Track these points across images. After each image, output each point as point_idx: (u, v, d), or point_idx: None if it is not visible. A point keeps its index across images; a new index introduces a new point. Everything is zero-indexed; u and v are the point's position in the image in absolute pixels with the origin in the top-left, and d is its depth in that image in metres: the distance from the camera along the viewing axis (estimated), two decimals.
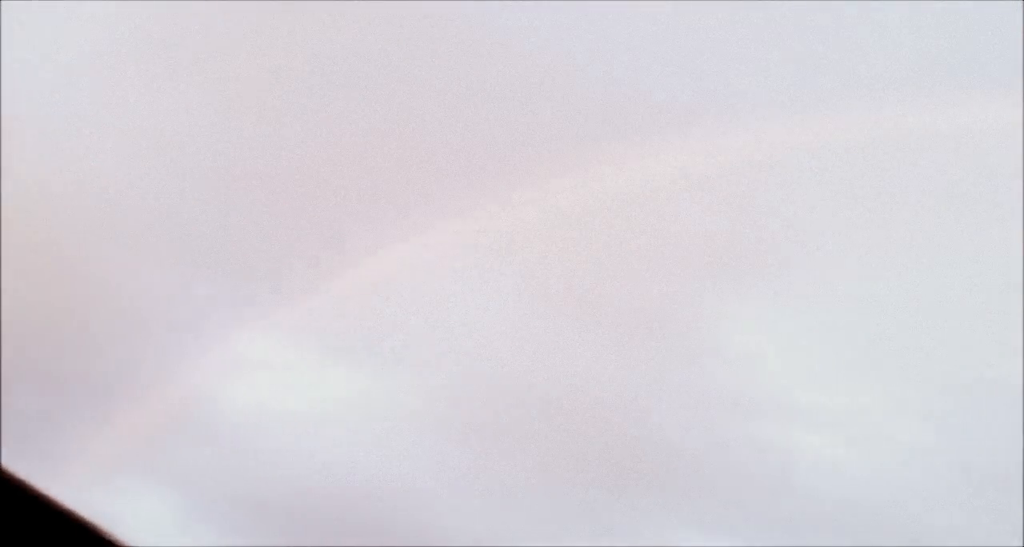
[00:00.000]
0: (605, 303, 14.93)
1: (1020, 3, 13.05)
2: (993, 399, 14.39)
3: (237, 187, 15.10)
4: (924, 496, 14.84)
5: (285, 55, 14.22)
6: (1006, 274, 14.07)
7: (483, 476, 16.83)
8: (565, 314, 15.29)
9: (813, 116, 14.12)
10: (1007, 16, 13.37)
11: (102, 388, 17.24)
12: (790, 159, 14.43)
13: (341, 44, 13.99)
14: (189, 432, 17.88)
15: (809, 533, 15.56)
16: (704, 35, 13.66)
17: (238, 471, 17.90)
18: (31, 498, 8.28)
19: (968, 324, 14.45)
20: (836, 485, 15.27)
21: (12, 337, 16.94)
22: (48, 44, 14.28)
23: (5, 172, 14.19)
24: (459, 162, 14.41)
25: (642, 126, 14.38)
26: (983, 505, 14.62)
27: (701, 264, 14.57)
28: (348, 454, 17.85)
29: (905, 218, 14.19)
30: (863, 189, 14.22)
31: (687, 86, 13.85)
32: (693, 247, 14.48)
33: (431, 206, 14.87)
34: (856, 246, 14.26)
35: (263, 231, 15.92)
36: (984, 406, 14.47)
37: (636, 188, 14.34)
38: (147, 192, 15.53)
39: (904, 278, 14.43)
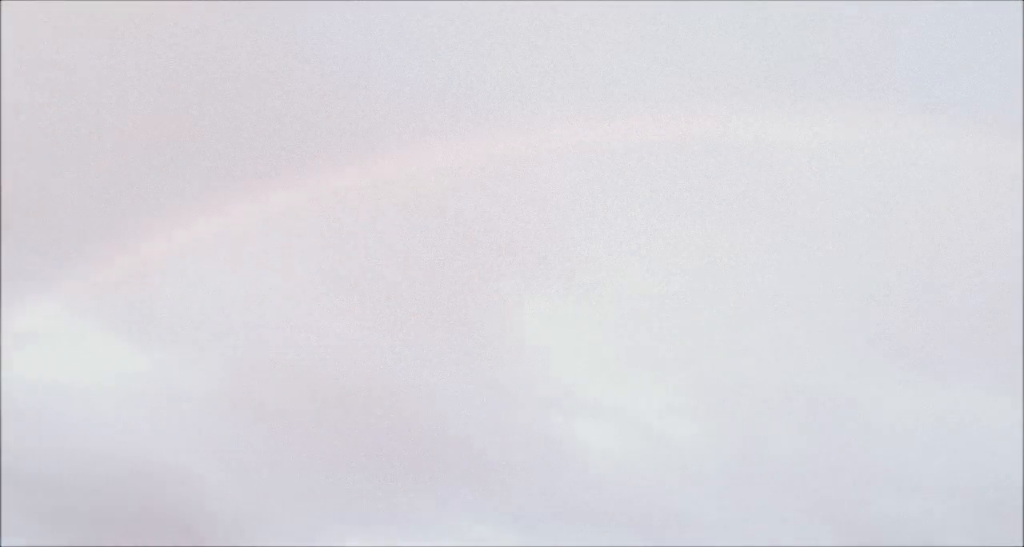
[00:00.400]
0: (400, 292, 14.91)
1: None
2: (761, 401, 15.01)
3: (21, 160, 14.48)
4: (693, 490, 15.44)
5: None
6: (782, 279, 14.61)
7: (265, 460, 16.69)
8: (359, 302, 15.21)
9: (609, 117, 14.23)
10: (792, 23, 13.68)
11: None
12: (588, 159, 14.55)
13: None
14: None
15: (593, 522, 16.00)
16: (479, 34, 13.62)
17: (16, 442, 17.31)
18: None
19: (745, 328, 14.98)
20: (620, 477, 15.73)
21: None
22: None
23: None
24: (255, 144, 14.09)
25: (439, 120, 14.28)
26: (746, 500, 15.28)
27: (498, 258, 14.65)
28: (128, 428, 17.46)
29: (695, 221, 14.54)
30: (657, 190, 14.46)
31: (475, 83, 13.80)
32: (490, 241, 14.54)
33: (224, 187, 14.53)
34: (648, 247, 14.56)
35: (47, 206, 15.29)
36: (751, 407, 15.08)
37: (433, 181, 14.27)
38: None
39: (691, 280, 14.83)
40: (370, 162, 14.60)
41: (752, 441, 15.20)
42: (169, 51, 13.36)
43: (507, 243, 14.75)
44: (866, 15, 13.99)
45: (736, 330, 14.99)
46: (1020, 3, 13.53)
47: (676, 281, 14.76)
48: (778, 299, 14.85)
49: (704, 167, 14.58)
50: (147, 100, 13.83)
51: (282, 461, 16.65)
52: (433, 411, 15.63)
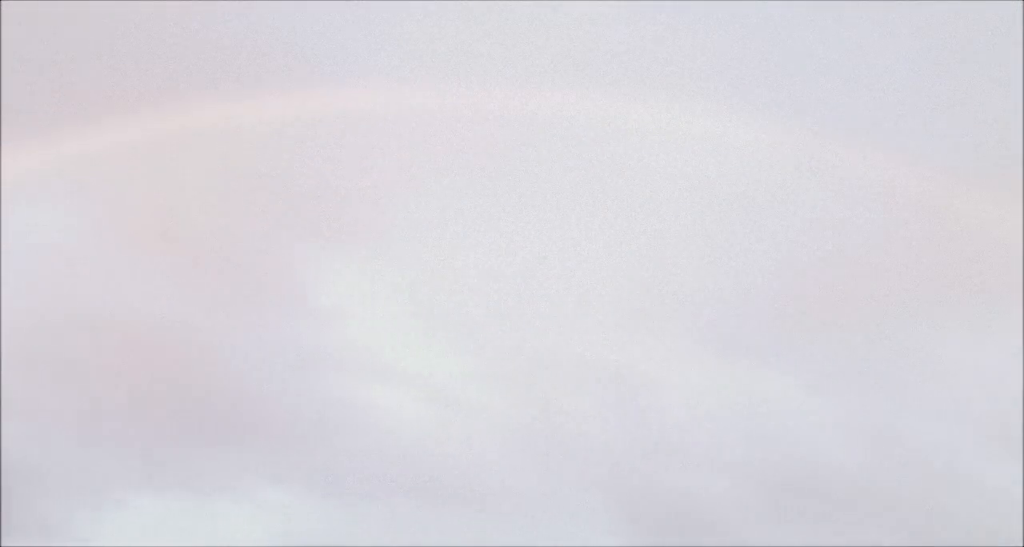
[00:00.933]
0: (187, 241, 14.55)
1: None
2: (561, 372, 15.11)
3: None
4: (489, 457, 15.51)
5: None
6: (589, 254, 14.65)
7: (48, 415, 16.23)
8: (143, 250, 14.80)
9: (422, 83, 14.04)
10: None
11: None
12: (399, 121, 14.35)
13: None
14: None
15: (389, 485, 15.96)
16: None
17: None
18: None
19: (547, 300, 15.01)
20: (412, 442, 15.69)
21: None
22: None
23: None
24: (47, 86, 13.60)
25: (253, 75, 13.94)
26: (546, 468, 15.41)
27: (294, 213, 14.39)
28: None
29: (504, 189, 14.46)
30: (468, 157, 14.33)
31: (291, 38, 13.54)
32: (286, 194, 14.27)
33: (12, 131, 13.96)
34: (454, 213, 14.44)
35: None
36: (551, 378, 15.17)
37: (237, 134, 13.91)
38: None
39: (494, 250, 14.77)
40: (175, 113, 14.17)
41: (549, 411, 15.29)
42: None
43: (309, 202, 14.48)
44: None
45: (539, 301, 15.00)
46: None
47: (479, 250, 14.68)
48: (583, 273, 14.88)
49: (516, 137, 14.44)
50: None
51: (66, 416, 16.20)
52: (225, 369, 15.37)
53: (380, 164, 14.11)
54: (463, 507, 15.87)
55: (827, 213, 14.91)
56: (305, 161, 14.00)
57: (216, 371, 15.15)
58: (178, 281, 15.03)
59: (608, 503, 15.29)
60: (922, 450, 14.67)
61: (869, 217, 14.57)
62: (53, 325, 15.21)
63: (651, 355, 14.69)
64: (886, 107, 14.89)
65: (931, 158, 14.69)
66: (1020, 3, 14.34)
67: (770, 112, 14.31)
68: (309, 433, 15.41)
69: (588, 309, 14.80)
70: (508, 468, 15.38)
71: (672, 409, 15.30)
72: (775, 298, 14.78)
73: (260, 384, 15.47)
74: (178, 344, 15.23)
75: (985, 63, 14.56)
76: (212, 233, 14.39)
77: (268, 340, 15.30)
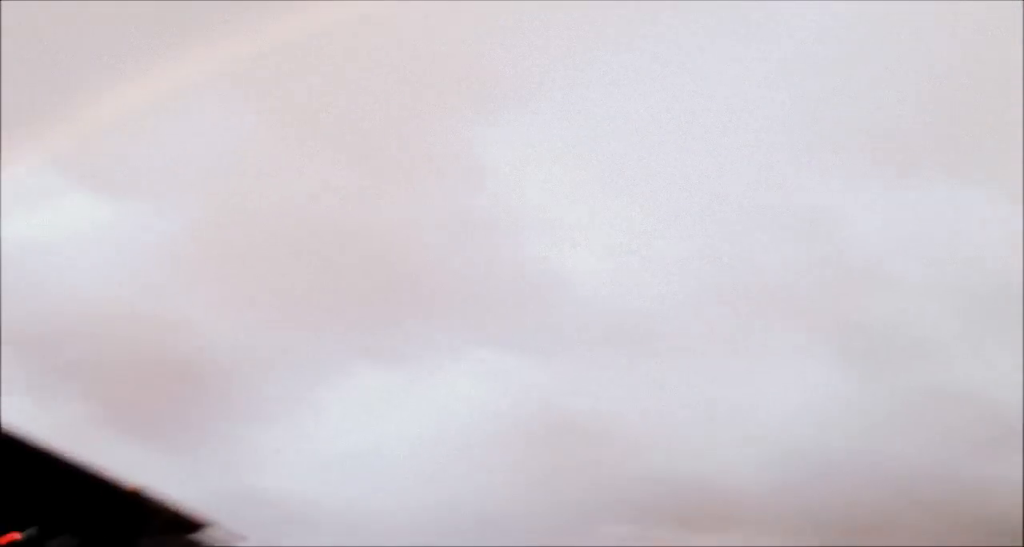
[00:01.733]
0: (356, 130, 14.72)
1: None
2: (741, 216, 14.72)
3: None
4: (683, 303, 15.38)
5: None
6: (754, 96, 14.08)
7: (255, 300, 16.95)
8: (315, 143, 15.09)
9: None
10: None
11: None
12: None
13: None
14: None
15: (583, 341, 16.10)
16: None
17: (11, 303, 17.74)
18: None
19: (720, 146, 14.55)
20: (603, 294, 15.71)
21: None
22: None
23: None
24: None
25: None
26: (733, 314, 15.21)
27: (454, 87, 14.33)
28: (104, 283, 17.76)
29: (658, 45, 13.96)
30: (615, 11, 13.89)
31: None
32: (445, 71, 14.19)
33: (184, 40, 14.24)
34: (606, 67, 14.07)
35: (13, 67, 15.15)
36: (732, 224, 14.81)
37: (383, 12, 13.86)
38: None
39: (661, 99, 14.36)
40: (337, 9, 14.18)
41: (735, 256, 14.99)
42: None
43: (476, 74, 14.33)
44: None
45: (711, 149, 14.58)
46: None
47: (647, 102, 14.31)
48: (751, 115, 14.34)
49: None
50: None
51: (278, 303, 16.90)
52: (417, 243, 15.66)
53: (541, 31, 13.81)
54: (661, 355, 15.88)
55: None
56: (468, 36, 13.79)
57: (408, 246, 15.50)
58: (358, 167, 15.26)
59: (813, 336, 14.91)
60: None
61: None
62: (248, 221, 15.82)
63: (829, 188, 14.12)
64: None
65: None
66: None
67: None
68: (507, 295, 15.65)
69: (759, 149, 14.28)
70: (708, 314, 15.26)
71: (862, 238, 14.72)
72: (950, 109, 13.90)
73: (451, 253, 15.72)
74: (365, 227, 15.59)
75: None
76: (384, 117, 14.48)
77: (452, 211, 15.45)
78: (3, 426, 10.36)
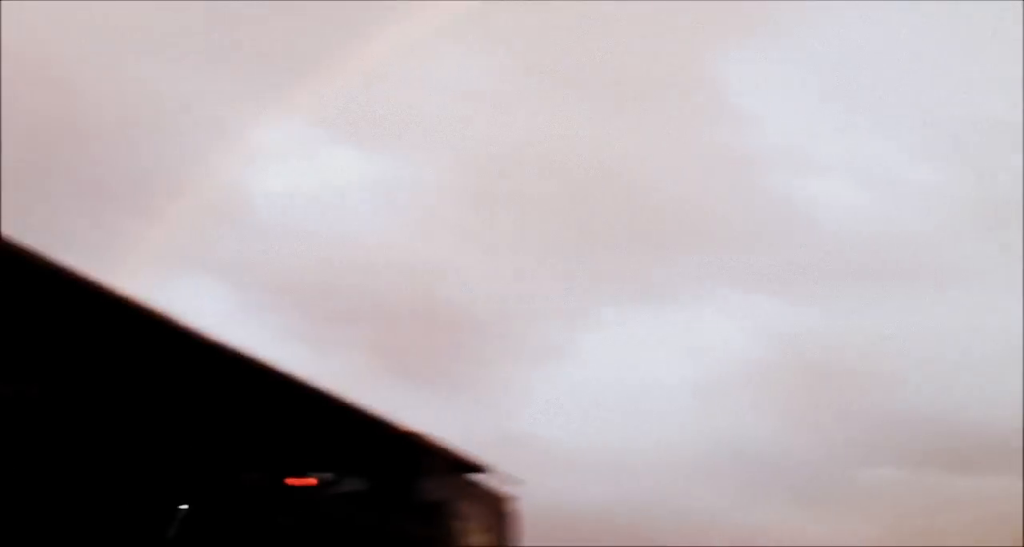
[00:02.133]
0: (606, 69, 14.73)
1: None
2: (994, 136, 14.12)
3: None
4: (937, 231, 14.91)
5: None
6: (1000, 17, 13.47)
7: (508, 245, 17.22)
8: (567, 83, 15.18)
9: None
10: None
11: (144, 189, 17.74)
12: None
13: None
14: (226, 222, 18.52)
15: (837, 275, 15.80)
16: None
17: (276, 255, 18.54)
18: (96, 295, 9.04)
19: (967, 66, 14.00)
20: (855, 227, 15.37)
21: (58, 146, 17.39)
22: None
23: None
24: None
25: None
26: (990, 237, 14.62)
27: (700, 22, 14.20)
28: (376, 230, 18.32)
29: None
30: None
31: None
32: (690, 5, 14.04)
33: None
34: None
35: (270, 25, 15.77)
36: (985, 143, 14.23)
37: None
38: None
39: (901, 25, 13.94)
40: None
41: (988, 179, 14.46)
42: None
43: (711, 7, 14.18)
44: None
45: (964, 75, 14.11)
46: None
47: (899, 29, 13.94)
48: (1000, 37, 13.79)
49: None
50: None
51: (530, 245, 17.13)
52: (660, 184, 15.66)
53: None
54: (919, 287, 15.43)
55: None
56: None
57: (656, 186, 15.49)
58: (603, 108, 15.28)
59: None
60: None
61: None
62: (501, 168, 16.07)
63: None
64: None
65: None
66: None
67: None
68: (758, 233, 15.48)
69: (991, 66, 13.72)
70: (964, 240, 14.76)
71: None
72: None
73: (701, 191, 15.63)
74: (620, 167, 15.62)
75: None
76: (629, 56, 14.48)
77: (700, 149, 15.38)
78: (292, 375, 10.86)
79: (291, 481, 11.13)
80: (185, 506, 12.62)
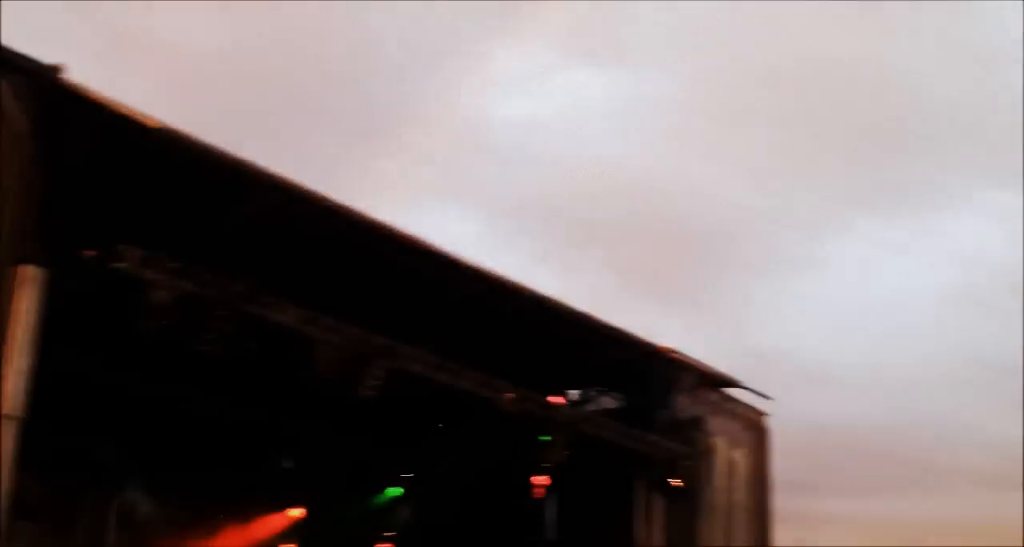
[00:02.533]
0: None
1: None
2: None
3: None
4: None
5: None
6: None
7: (746, 160, 16.96)
8: None
9: None
10: None
11: (390, 121, 18.35)
12: None
13: None
14: (471, 151, 18.94)
15: None
16: None
17: (520, 180, 18.79)
18: (356, 223, 9.57)
19: None
20: None
21: (308, 84, 18.14)
22: None
23: None
24: None
25: None
26: None
27: None
28: (619, 150, 18.31)
29: None
30: None
31: None
32: None
33: None
34: None
35: None
36: None
37: None
38: None
39: None
40: None
41: None
42: None
43: None
44: None
45: None
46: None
47: None
48: None
49: None
50: None
51: (779, 156, 16.83)
52: (924, 82, 14.98)
53: None
54: None
55: None
56: None
57: (905, 82, 14.87)
58: (868, 11, 14.63)
59: None
60: None
61: None
62: (733, 77, 15.85)
63: None
64: None
65: None
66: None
67: None
68: (1017, 130, 14.67)
69: None
70: None
71: None
72: None
73: (967, 91, 14.87)
74: (857, 65, 15.07)
75: None
76: None
77: (950, 38, 14.63)
78: (545, 295, 11.10)
79: (549, 399, 11.43)
80: (443, 425, 13.17)
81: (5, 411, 7.97)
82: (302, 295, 10.10)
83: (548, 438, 11.47)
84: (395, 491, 14.40)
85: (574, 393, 12.63)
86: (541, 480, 11.98)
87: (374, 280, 10.79)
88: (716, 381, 13.47)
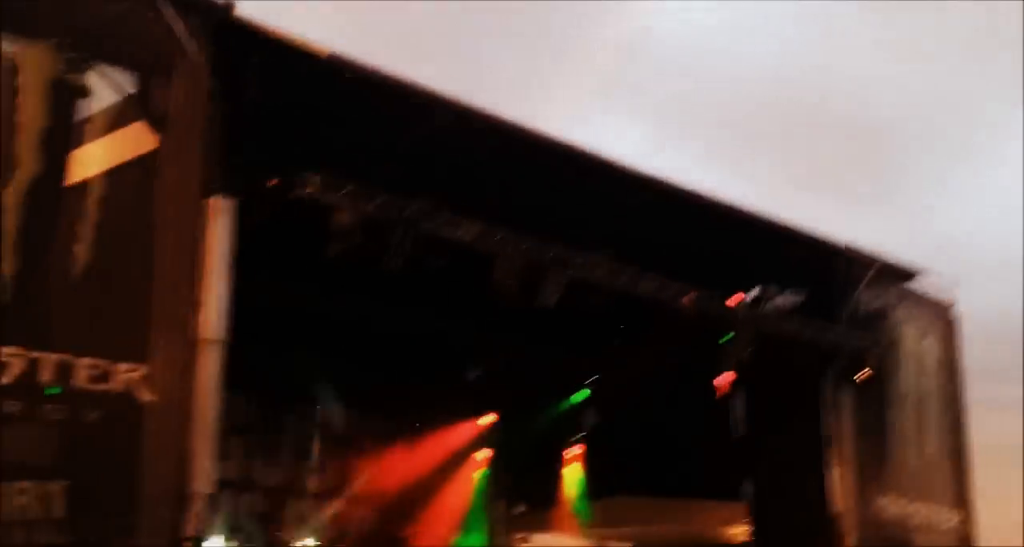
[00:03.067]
0: None
1: None
2: None
3: None
4: None
5: None
6: None
7: (915, 48, 16.39)
8: None
9: None
10: None
11: (558, 35, 18.40)
12: None
13: None
14: (640, 61, 18.83)
15: None
16: None
17: (688, 83, 18.58)
18: (527, 138, 9.81)
19: None
20: None
21: None
22: None
23: None
24: None
25: None
26: None
27: None
28: (774, 52, 17.89)
29: None
30: None
31: None
32: None
33: None
34: None
35: None
36: None
37: None
38: None
39: None
40: None
41: None
42: None
43: None
44: None
45: None
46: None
47: None
48: None
49: None
50: None
51: (945, 45, 16.29)
52: None
53: None
54: None
55: None
56: None
57: None
58: None
59: None
60: None
61: None
62: None
63: None
64: None
65: None
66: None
67: None
68: None
69: None
70: None
71: None
72: None
73: None
74: None
75: None
76: None
77: None
78: (719, 198, 11.06)
79: (732, 299, 11.44)
80: (626, 329, 13.31)
81: (209, 335, 8.41)
82: (479, 211, 10.31)
83: (730, 337, 11.50)
84: (582, 395, 14.66)
85: (754, 291, 12.58)
86: (725, 379, 12.04)
87: (549, 193, 10.93)
88: (900, 273, 13.25)
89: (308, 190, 9.22)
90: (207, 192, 8.56)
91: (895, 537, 12.71)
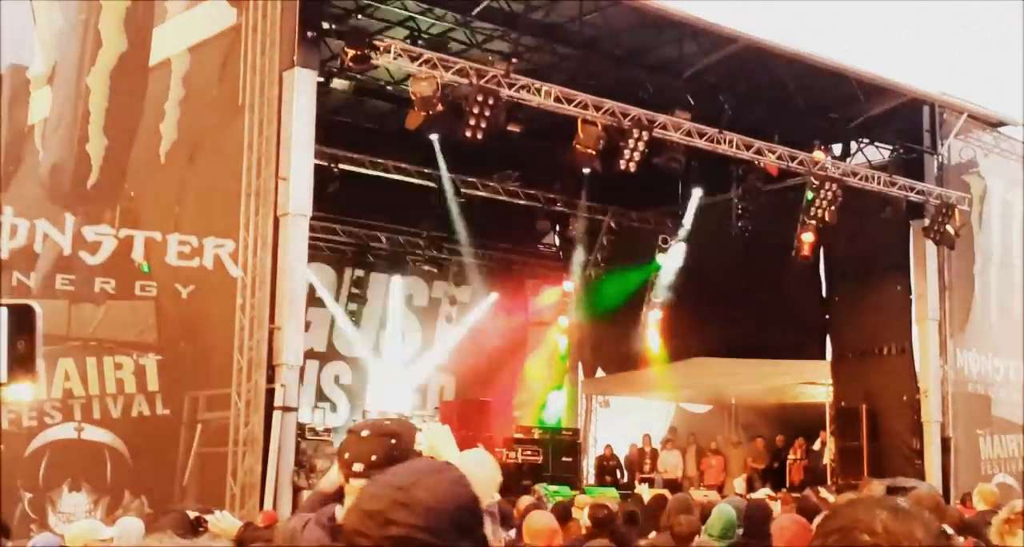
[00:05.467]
0: None
1: None
2: None
3: None
4: None
5: None
6: None
7: None
8: None
9: None
10: None
11: None
12: None
13: None
14: None
15: None
16: None
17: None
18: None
19: None
20: None
21: None
22: None
23: None
24: None
25: None
26: None
27: None
28: None
29: None
30: None
31: None
32: None
33: None
34: None
35: None
36: None
37: None
38: None
39: None
40: None
41: None
42: None
43: None
44: None
45: None
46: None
47: None
48: None
49: None
50: None
51: None
52: None
53: None
54: None
55: None
56: None
57: None
58: None
59: None
60: None
61: None
62: None
63: None
64: None
65: None
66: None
67: None
68: None
69: None
70: None
71: None
72: None
73: None
74: None
75: None
76: None
77: None
78: (795, 50, 10.77)
79: (813, 155, 11.19)
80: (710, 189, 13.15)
81: (292, 210, 8.43)
82: (558, 77, 10.18)
83: (813, 195, 11.29)
84: (665, 258, 14.53)
85: (838, 147, 12.33)
86: (809, 237, 11.85)
87: (627, 56, 10.77)
88: (988, 121, 12.87)
89: (389, 57, 9.13)
90: (287, 65, 8.50)
91: (976, 392, 12.59)
